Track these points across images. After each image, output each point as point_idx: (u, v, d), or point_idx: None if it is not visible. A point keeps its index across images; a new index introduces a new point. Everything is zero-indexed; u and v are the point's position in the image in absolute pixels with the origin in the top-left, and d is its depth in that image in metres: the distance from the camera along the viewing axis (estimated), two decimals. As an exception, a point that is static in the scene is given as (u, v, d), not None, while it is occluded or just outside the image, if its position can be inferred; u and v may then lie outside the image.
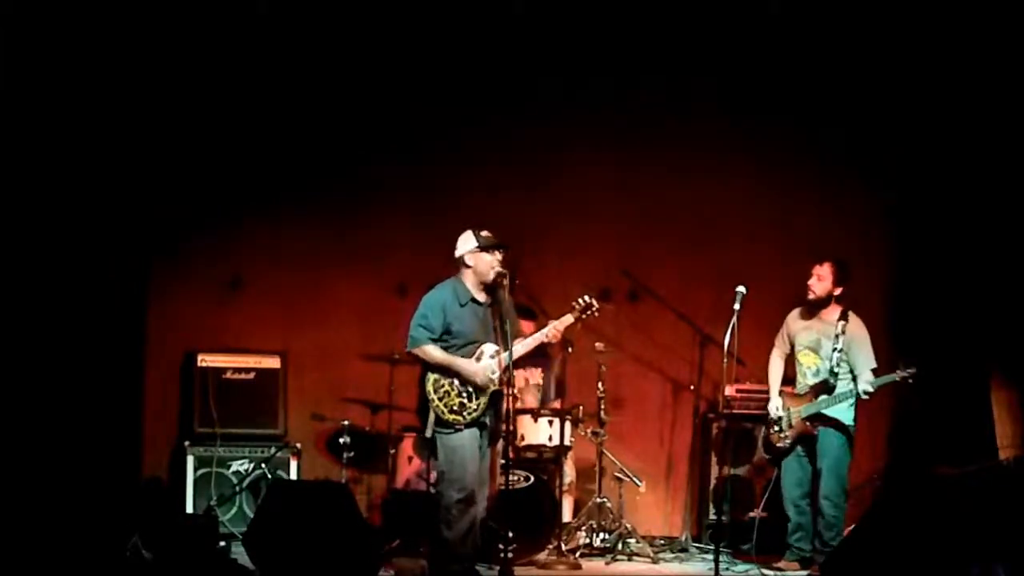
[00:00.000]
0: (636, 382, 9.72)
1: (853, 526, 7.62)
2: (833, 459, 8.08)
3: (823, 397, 8.08)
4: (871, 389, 7.98)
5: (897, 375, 7.95)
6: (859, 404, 8.18)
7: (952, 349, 9.25)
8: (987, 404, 9.10)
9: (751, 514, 8.92)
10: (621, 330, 9.56)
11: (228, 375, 9.30)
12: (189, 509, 8.93)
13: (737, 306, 7.82)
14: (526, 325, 8.03)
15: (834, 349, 8.04)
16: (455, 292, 7.55)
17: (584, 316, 7.64)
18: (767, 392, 8.46)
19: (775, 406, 8.26)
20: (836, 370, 8.05)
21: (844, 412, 8.10)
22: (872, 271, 9.77)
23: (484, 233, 7.55)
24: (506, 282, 7.50)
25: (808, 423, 8.11)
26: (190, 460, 9.08)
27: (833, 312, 8.17)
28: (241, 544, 7.86)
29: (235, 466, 9.13)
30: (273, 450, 9.11)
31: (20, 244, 8.59)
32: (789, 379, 8.46)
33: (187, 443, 9.14)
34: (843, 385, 8.09)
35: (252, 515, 8.54)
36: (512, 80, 9.55)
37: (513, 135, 9.65)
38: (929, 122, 9.44)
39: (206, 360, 9.29)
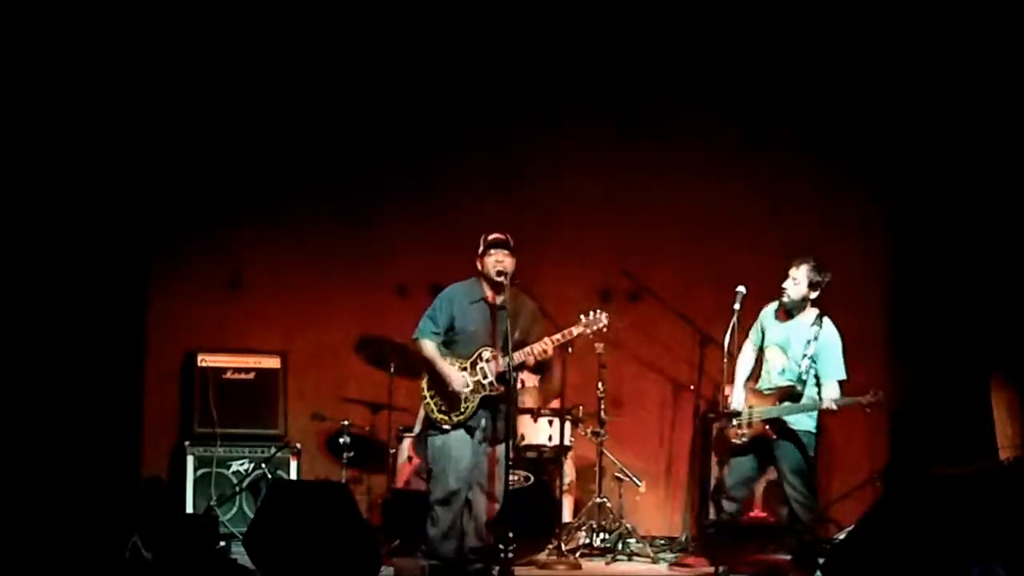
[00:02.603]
0: (636, 382, 9.72)
1: (853, 526, 7.62)
2: (795, 463, 7.77)
3: (787, 404, 7.77)
4: (835, 408, 7.66)
5: (864, 399, 7.63)
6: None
7: (952, 349, 9.25)
8: (987, 404, 9.09)
9: (750, 514, 8.98)
10: (621, 330, 9.55)
11: (228, 375, 9.30)
12: (189, 509, 8.93)
13: (737, 306, 7.82)
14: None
15: (804, 355, 7.76)
16: (468, 289, 7.60)
17: (591, 332, 7.55)
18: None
19: (739, 398, 7.90)
20: (804, 377, 7.77)
21: (806, 420, 7.82)
22: (872, 271, 9.78)
23: (491, 236, 7.53)
24: (506, 281, 7.48)
25: (767, 427, 7.79)
26: (190, 460, 9.08)
27: (808, 314, 7.90)
28: (241, 544, 7.86)
29: (235, 466, 9.13)
30: (273, 450, 9.11)
31: (20, 244, 8.59)
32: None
33: (187, 443, 9.14)
34: (809, 393, 7.78)
35: (252, 515, 8.55)
36: (512, 80, 9.55)
37: (513, 135, 9.65)
38: (929, 123, 9.43)
39: (206, 360, 9.30)
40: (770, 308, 8.07)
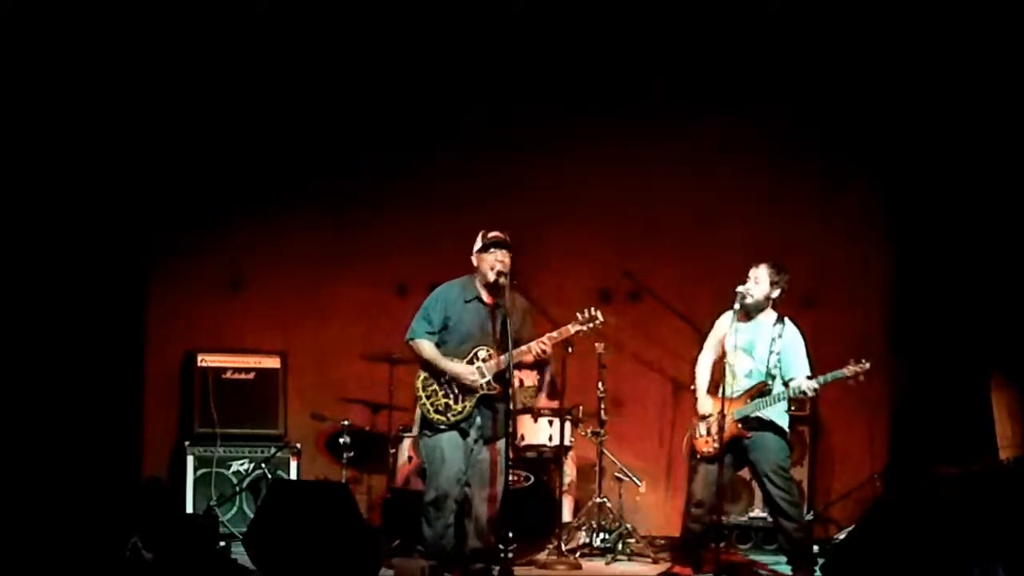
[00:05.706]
0: (636, 382, 9.72)
1: (853, 526, 7.62)
2: (774, 463, 7.71)
3: (758, 400, 7.73)
4: (816, 387, 7.60)
5: (847, 371, 7.55)
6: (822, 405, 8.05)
7: (952, 349, 9.25)
8: (987, 404, 9.10)
9: (751, 513, 8.99)
10: (621, 330, 9.55)
11: (228, 375, 9.30)
12: (189, 509, 8.94)
13: (737, 306, 7.82)
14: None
15: (771, 352, 7.73)
16: (463, 288, 7.56)
17: (587, 328, 7.52)
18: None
19: (707, 406, 7.85)
20: (773, 372, 7.73)
21: (779, 415, 7.77)
22: (872, 271, 9.78)
23: (491, 234, 7.50)
24: (504, 281, 7.44)
25: (741, 426, 7.71)
26: (190, 460, 9.08)
27: (769, 315, 7.86)
28: (241, 544, 7.86)
29: (235, 466, 9.13)
30: (273, 450, 9.11)
31: (20, 245, 8.60)
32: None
33: (187, 443, 9.14)
34: (777, 387, 7.74)
35: (252, 515, 8.55)
36: (511, 80, 9.55)
37: (513, 135, 9.64)
38: (930, 121, 9.43)
39: (206, 360, 9.30)
40: (726, 317, 7.94)
